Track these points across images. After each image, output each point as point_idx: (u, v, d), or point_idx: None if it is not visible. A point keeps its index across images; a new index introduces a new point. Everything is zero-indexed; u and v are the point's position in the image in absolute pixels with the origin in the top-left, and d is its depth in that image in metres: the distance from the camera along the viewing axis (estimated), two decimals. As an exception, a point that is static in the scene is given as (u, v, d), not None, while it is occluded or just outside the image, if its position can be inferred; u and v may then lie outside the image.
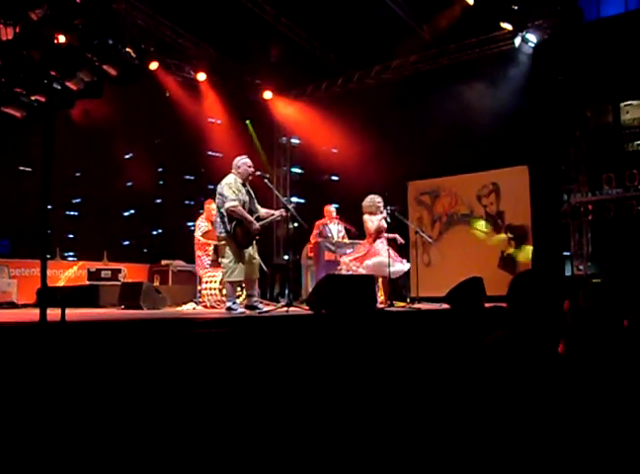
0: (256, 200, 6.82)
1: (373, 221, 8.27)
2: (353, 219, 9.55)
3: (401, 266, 8.37)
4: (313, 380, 4.15)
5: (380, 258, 8.14)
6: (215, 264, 8.72)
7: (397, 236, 8.62)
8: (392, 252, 8.27)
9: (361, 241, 8.84)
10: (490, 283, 7.93)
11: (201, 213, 9.05)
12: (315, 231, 9.44)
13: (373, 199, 8.42)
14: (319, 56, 12.43)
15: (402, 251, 11.20)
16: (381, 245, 8.23)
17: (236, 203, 6.38)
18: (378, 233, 8.31)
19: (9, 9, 5.26)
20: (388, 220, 8.37)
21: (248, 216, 6.43)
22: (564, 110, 10.58)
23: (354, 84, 13.07)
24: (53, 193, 4.21)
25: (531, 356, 2.46)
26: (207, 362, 3.80)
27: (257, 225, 6.47)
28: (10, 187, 10.51)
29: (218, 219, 6.53)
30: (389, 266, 7.98)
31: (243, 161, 6.72)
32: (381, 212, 8.34)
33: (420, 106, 11.58)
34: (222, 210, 6.44)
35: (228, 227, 6.39)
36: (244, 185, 6.64)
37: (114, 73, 5.82)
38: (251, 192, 6.75)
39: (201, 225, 8.86)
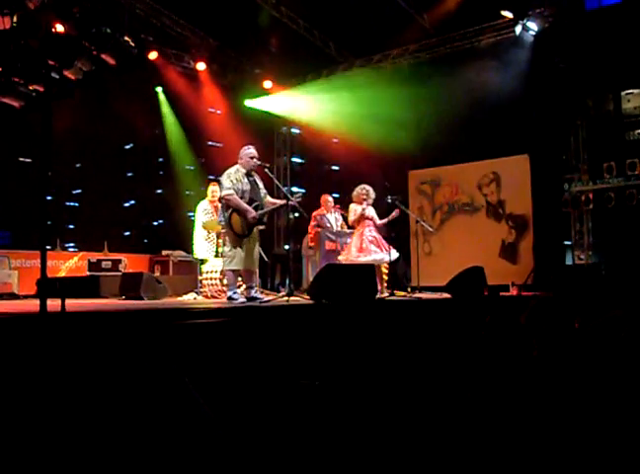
0: (263, 191, 6.83)
1: (357, 210, 8.37)
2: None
3: (378, 255, 8.33)
4: (314, 369, 4.15)
5: (349, 255, 8.30)
6: (216, 254, 8.74)
7: (392, 216, 8.57)
8: (375, 241, 8.33)
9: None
10: (491, 273, 7.94)
11: (204, 198, 9.09)
12: (313, 222, 9.44)
13: (357, 191, 8.58)
14: (319, 45, 12.38)
15: (402, 240, 11.22)
16: (359, 239, 8.33)
17: (231, 192, 6.42)
18: (359, 222, 8.41)
19: (6, -2, 5.25)
20: (365, 210, 8.41)
21: (243, 205, 6.43)
22: (565, 98, 10.55)
23: (354, 73, 13.01)
24: (54, 183, 4.21)
25: None
26: (208, 352, 3.80)
27: (253, 214, 6.46)
28: (10, 178, 10.49)
29: (220, 208, 6.62)
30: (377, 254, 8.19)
31: (246, 152, 6.75)
32: (367, 202, 8.45)
33: (420, 94, 11.53)
34: (221, 199, 6.52)
35: (226, 215, 6.44)
36: (249, 175, 6.66)
37: (112, 62, 5.79)
38: (257, 181, 6.78)
39: (206, 209, 8.85)
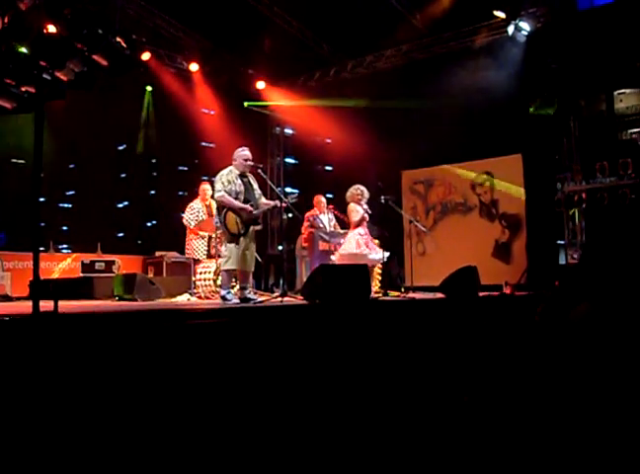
0: (258, 192, 6.84)
1: (358, 211, 8.36)
2: (346, 209, 9.57)
3: (375, 255, 8.37)
4: (308, 370, 4.15)
5: (349, 250, 8.29)
6: (209, 254, 8.75)
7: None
8: (369, 241, 8.37)
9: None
10: (484, 272, 7.96)
11: (196, 197, 9.10)
12: (306, 223, 9.44)
13: (352, 191, 8.59)
14: (312, 46, 12.38)
15: (396, 240, 11.24)
16: (358, 236, 8.35)
17: (222, 193, 6.48)
18: (359, 223, 8.42)
19: (-3, -1, 5.23)
20: (369, 212, 8.47)
21: (237, 203, 6.46)
22: (557, 98, 10.57)
23: (347, 73, 13.03)
24: (47, 185, 4.20)
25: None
26: (202, 353, 3.79)
27: (249, 208, 6.48)
28: (3, 179, 10.45)
29: (215, 209, 6.66)
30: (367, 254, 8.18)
31: (240, 153, 6.76)
32: (362, 203, 8.48)
33: (413, 95, 11.54)
34: (215, 201, 6.56)
35: (221, 216, 6.47)
36: (243, 176, 6.68)
37: (104, 63, 5.78)
38: (251, 182, 6.80)
39: (195, 207, 8.88)
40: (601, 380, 2.48)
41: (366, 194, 8.57)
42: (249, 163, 6.75)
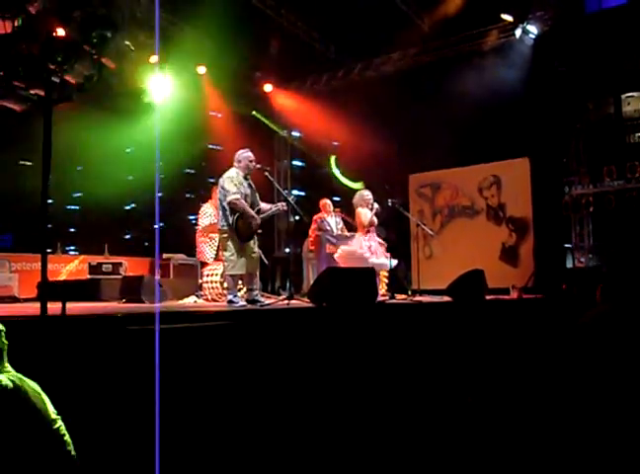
0: (257, 195, 6.81)
1: (367, 215, 8.38)
2: (354, 212, 9.57)
3: (385, 260, 8.38)
4: (314, 373, 4.15)
5: (350, 247, 8.36)
6: (216, 257, 8.74)
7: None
8: (378, 246, 8.38)
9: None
10: (491, 276, 7.94)
11: (206, 201, 9.08)
12: (314, 225, 9.46)
13: (362, 194, 8.63)
14: (319, 48, 12.40)
15: (403, 244, 11.23)
16: (364, 238, 8.40)
17: (238, 196, 6.36)
18: (370, 226, 8.44)
19: (7, 2, 5.25)
20: (374, 218, 8.48)
21: (249, 210, 6.40)
22: (565, 102, 10.56)
23: (354, 76, 13.03)
24: (54, 187, 4.21)
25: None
26: (209, 355, 3.80)
27: (258, 220, 6.45)
28: (11, 181, 10.48)
29: (220, 212, 6.53)
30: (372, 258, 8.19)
31: (245, 155, 6.69)
32: (370, 207, 8.48)
33: (421, 98, 11.55)
34: (224, 204, 6.43)
35: (230, 220, 6.36)
36: (246, 178, 6.63)
37: (112, 66, 5.81)
38: (252, 185, 6.74)
39: (207, 211, 8.86)
40: (610, 384, 2.47)
41: (372, 199, 8.60)
42: (254, 164, 6.72)
